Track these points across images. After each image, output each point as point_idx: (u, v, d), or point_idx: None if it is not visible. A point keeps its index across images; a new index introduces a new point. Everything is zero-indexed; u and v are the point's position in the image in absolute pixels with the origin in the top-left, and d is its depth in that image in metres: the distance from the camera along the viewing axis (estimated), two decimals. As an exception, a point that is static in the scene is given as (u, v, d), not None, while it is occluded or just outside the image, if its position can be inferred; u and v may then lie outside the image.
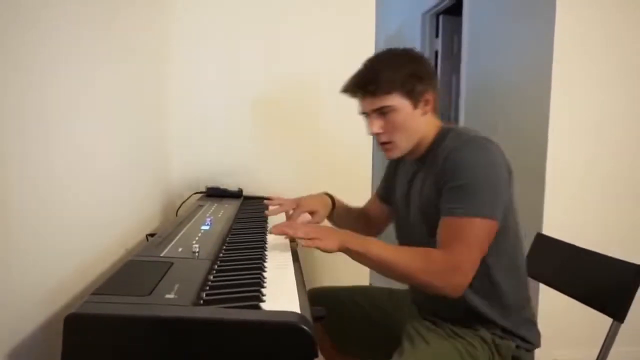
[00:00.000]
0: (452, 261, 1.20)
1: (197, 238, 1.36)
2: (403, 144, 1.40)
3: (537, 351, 1.42)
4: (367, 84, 1.36)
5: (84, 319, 0.83)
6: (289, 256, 1.34)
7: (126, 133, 1.60)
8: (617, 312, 1.37)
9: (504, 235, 1.30)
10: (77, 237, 1.22)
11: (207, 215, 1.68)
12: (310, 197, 1.69)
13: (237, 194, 2.12)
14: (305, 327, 0.85)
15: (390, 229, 1.67)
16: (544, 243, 1.74)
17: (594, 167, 2.52)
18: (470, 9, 3.49)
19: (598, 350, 1.39)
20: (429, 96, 1.39)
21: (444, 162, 1.29)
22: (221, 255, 1.29)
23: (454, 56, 4.22)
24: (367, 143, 2.27)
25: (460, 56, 3.69)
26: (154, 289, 0.95)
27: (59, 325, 0.83)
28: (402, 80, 1.35)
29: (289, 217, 1.66)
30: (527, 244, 1.73)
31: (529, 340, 1.38)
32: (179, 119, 2.26)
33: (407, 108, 1.36)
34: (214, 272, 1.14)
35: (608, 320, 1.39)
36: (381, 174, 1.75)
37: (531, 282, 1.68)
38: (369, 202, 1.79)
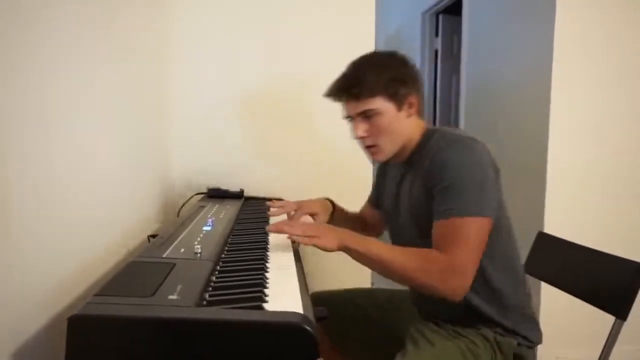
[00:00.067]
0: (451, 263, 1.19)
1: (199, 239, 1.36)
2: (388, 147, 1.40)
3: (539, 350, 1.42)
4: (351, 87, 1.36)
5: (87, 320, 0.83)
6: (291, 257, 1.34)
7: (126, 133, 1.59)
8: (620, 310, 1.37)
9: (496, 234, 1.30)
10: (77, 238, 1.21)
11: (209, 216, 1.68)
12: (312, 200, 1.70)
13: (238, 195, 2.11)
14: (308, 328, 0.84)
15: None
16: (545, 242, 1.74)
17: (595, 166, 2.51)
18: (470, 8, 3.49)
19: (600, 349, 1.39)
20: (413, 99, 1.39)
21: (430, 163, 1.29)
22: (223, 256, 1.29)
23: (453, 56, 4.22)
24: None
25: (460, 55, 3.69)
26: (157, 290, 0.95)
27: (61, 326, 0.83)
28: (385, 83, 1.35)
29: (290, 219, 1.66)
30: (528, 243, 1.74)
31: (530, 338, 1.37)
32: (180, 119, 2.25)
33: (391, 111, 1.36)
34: (217, 273, 1.14)
35: (610, 319, 1.38)
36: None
37: (533, 280, 1.68)
38: (363, 207, 1.80)
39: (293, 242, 1.43)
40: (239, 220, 1.72)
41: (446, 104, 4.41)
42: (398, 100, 1.36)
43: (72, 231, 1.18)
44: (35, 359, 1.01)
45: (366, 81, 1.34)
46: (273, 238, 1.45)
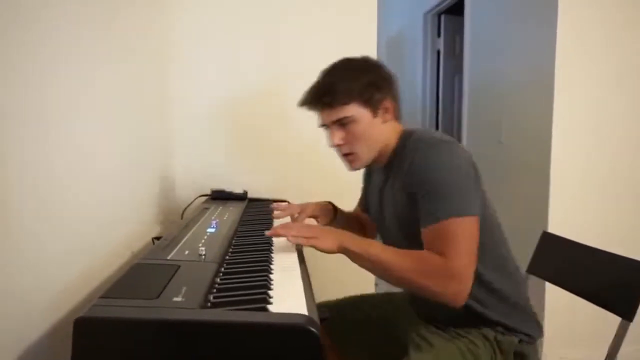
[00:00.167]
0: (448, 269, 1.18)
1: (203, 241, 1.36)
2: (365, 155, 1.39)
3: (543, 350, 1.40)
4: (323, 95, 1.35)
5: (93, 322, 0.83)
6: (295, 258, 1.33)
7: (126, 133, 1.59)
8: (626, 310, 1.35)
9: (483, 233, 1.27)
10: (78, 239, 1.21)
11: (213, 217, 1.68)
12: (314, 203, 1.71)
13: (241, 197, 2.11)
14: (312, 329, 0.84)
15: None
16: (550, 242, 1.72)
17: (599, 165, 2.50)
18: (472, 8, 3.48)
19: (605, 349, 1.37)
20: (388, 104, 1.38)
21: (409, 168, 1.28)
22: (227, 257, 1.29)
23: (456, 56, 4.21)
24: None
25: (463, 56, 3.68)
26: (161, 292, 0.95)
27: (66, 328, 0.84)
28: (359, 90, 1.33)
29: (294, 221, 1.66)
30: (532, 243, 1.73)
31: (531, 333, 1.36)
32: (181, 120, 2.25)
33: (366, 117, 1.35)
34: (221, 274, 1.14)
35: (615, 319, 1.37)
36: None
37: (537, 280, 1.68)
38: (355, 210, 1.80)
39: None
40: (242, 222, 1.72)
41: (449, 105, 4.41)
42: (373, 105, 1.35)
43: (73, 232, 1.17)
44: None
45: (339, 88, 1.33)
46: (277, 239, 1.45)
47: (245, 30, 2.25)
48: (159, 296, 0.93)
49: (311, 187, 2.21)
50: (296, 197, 1.99)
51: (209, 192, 2.13)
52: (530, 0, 2.70)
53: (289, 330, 0.85)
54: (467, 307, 1.28)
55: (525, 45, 2.75)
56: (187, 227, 1.53)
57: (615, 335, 1.36)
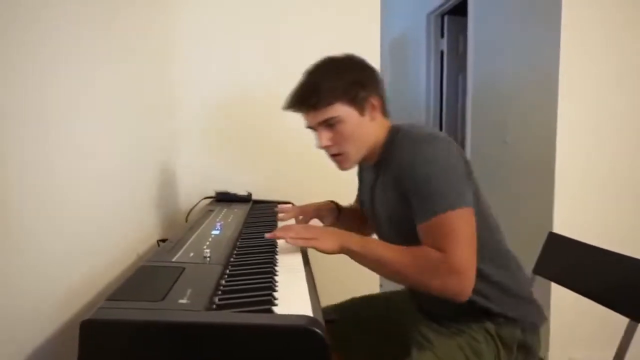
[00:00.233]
0: (450, 265, 1.16)
1: (207, 243, 1.36)
2: (353, 154, 1.37)
3: (550, 351, 1.39)
4: (308, 97, 1.32)
5: (99, 324, 0.83)
6: (299, 259, 1.33)
7: (127, 134, 1.58)
8: (634, 311, 1.34)
9: (478, 227, 1.25)
10: (78, 239, 1.20)
11: (217, 220, 1.68)
12: (318, 203, 1.71)
13: (246, 199, 2.10)
14: (318, 330, 0.84)
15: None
16: (556, 242, 1.70)
17: (600, 165, 2.49)
18: (476, 8, 3.49)
19: (613, 351, 1.36)
20: (375, 101, 1.35)
21: (399, 165, 1.27)
22: (232, 259, 1.29)
23: (459, 56, 4.21)
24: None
25: (466, 56, 3.68)
26: (167, 295, 0.95)
27: (72, 331, 0.83)
28: (343, 89, 1.31)
29: (298, 223, 1.67)
30: (538, 243, 1.72)
31: (533, 321, 1.35)
32: (182, 121, 2.24)
33: (353, 116, 1.33)
34: (226, 276, 1.15)
35: (623, 320, 1.35)
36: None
37: (543, 281, 1.66)
38: (354, 205, 1.79)
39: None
40: (247, 223, 1.71)
41: (452, 105, 4.40)
42: (359, 104, 1.33)
43: (73, 232, 1.17)
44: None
45: (323, 89, 1.30)
46: (282, 241, 1.44)
47: (245, 30, 2.24)
48: (164, 298, 0.93)
49: (312, 187, 2.20)
50: (297, 197, 1.98)
51: (213, 194, 2.12)
52: (533, 1, 2.70)
53: (294, 331, 0.84)
54: (469, 301, 1.27)
55: (528, 45, 2.75)
56: (191, 229, 1.52)
57: (623, 337, 1.34)
